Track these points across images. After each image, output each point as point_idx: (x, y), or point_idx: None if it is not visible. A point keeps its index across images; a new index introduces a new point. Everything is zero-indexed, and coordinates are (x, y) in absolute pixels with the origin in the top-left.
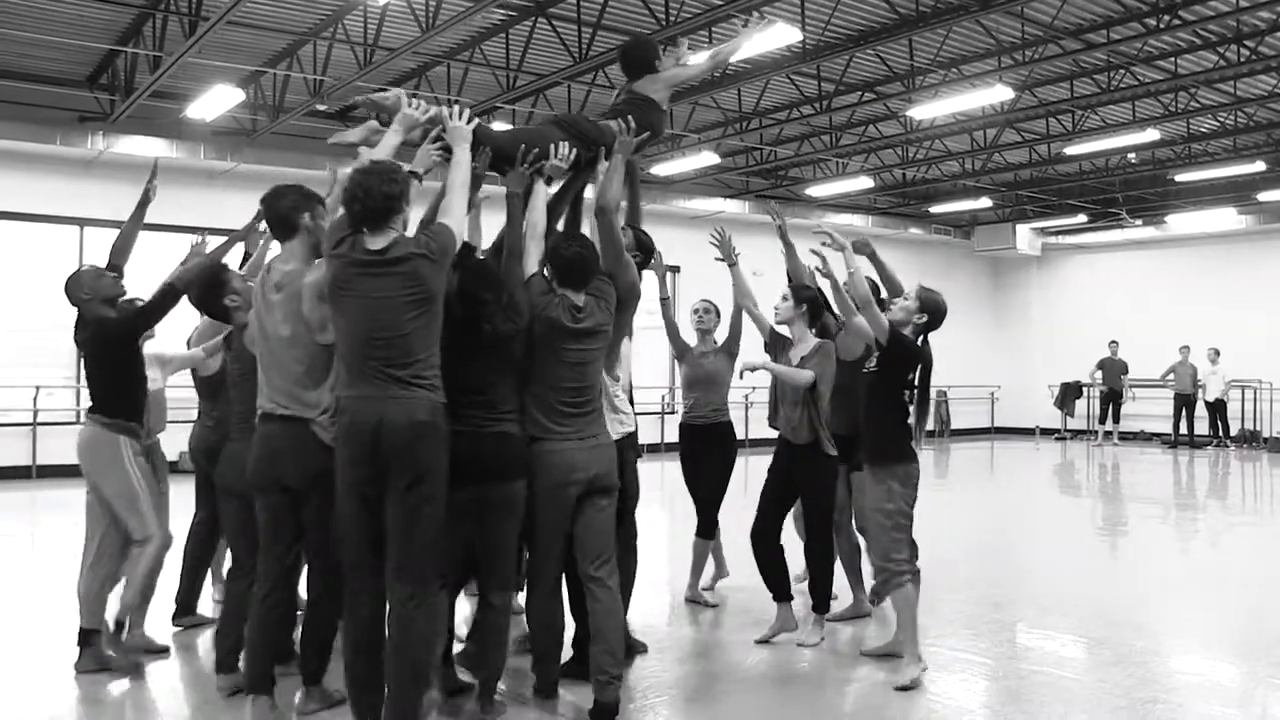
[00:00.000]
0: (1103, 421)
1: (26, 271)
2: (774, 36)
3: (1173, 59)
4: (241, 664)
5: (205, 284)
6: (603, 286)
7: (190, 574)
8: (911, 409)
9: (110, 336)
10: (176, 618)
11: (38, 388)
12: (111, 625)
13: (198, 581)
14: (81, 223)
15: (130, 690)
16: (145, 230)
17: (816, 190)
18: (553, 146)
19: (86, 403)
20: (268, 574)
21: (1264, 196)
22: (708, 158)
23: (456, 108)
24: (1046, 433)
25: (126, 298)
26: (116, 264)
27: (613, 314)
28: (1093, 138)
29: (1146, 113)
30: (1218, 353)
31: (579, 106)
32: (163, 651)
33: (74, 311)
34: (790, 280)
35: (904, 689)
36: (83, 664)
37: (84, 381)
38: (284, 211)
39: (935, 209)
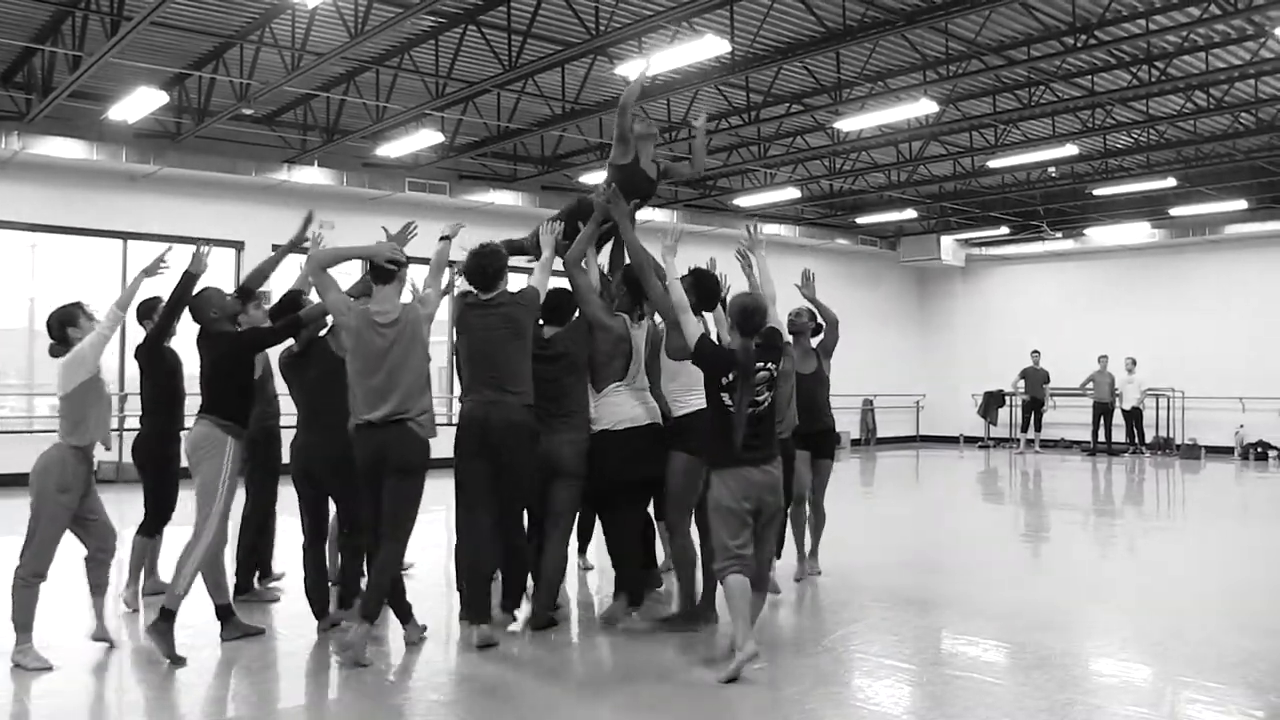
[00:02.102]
0: (1025, 429)
1: None
2: (703, 48)
3: (1089, 77)
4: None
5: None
6: (575, 323)
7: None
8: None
9: (233, 351)
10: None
11: None
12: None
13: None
14: None
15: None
16: (63, 234)
17: (744, 200)
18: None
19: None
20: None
21: (1176, 211)
22: None
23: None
24: (970, 441)
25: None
26: (249, 288)
27: (581, 344)
28: (1014, 152)
29: (1066, 128)
30: (1134, 362)
31: (508, 115)
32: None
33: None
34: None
35: (730, 680)
36: (227, 633)
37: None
38: (384, 266)
39: (862, 220)
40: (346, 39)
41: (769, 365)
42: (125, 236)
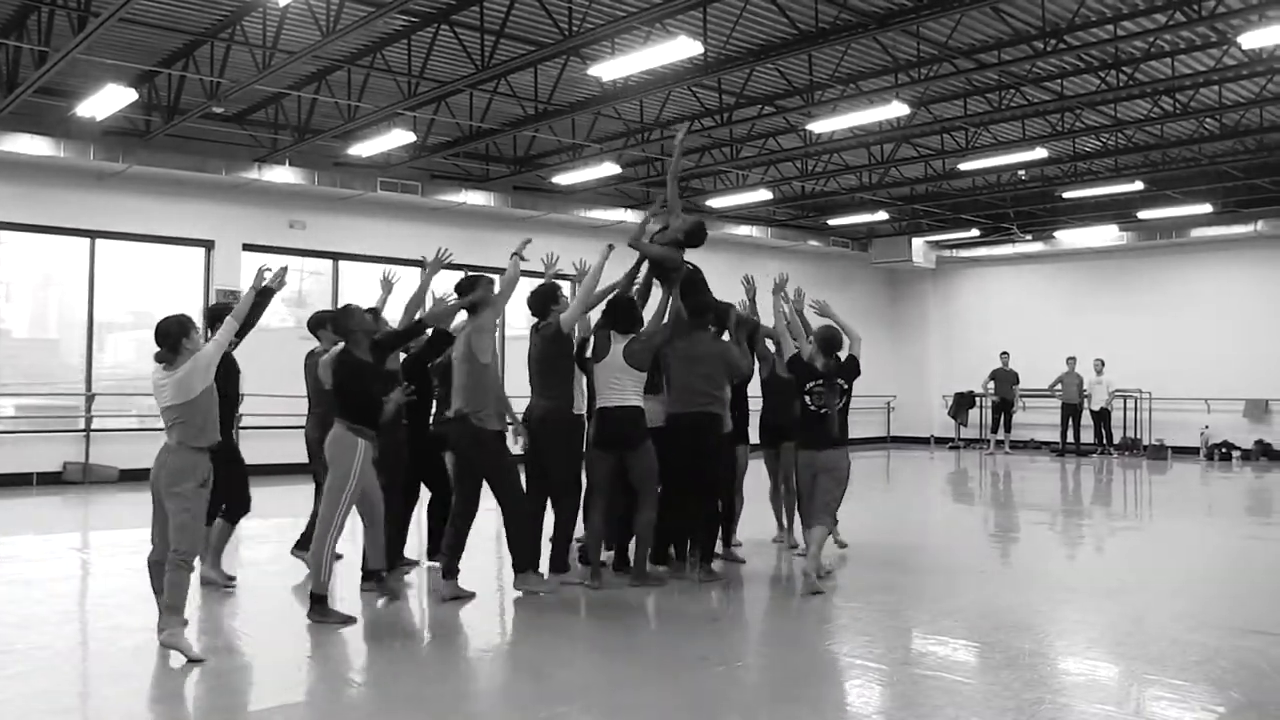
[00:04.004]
0: (994, 430)
1: None
2: (676, 49)
3: (1059, 81)
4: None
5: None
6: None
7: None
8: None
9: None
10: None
11: None
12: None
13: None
14: None
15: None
16: (29, 232)
17: (716, 202)
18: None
19: None
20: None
21: (1143, 214)
22: (609, 168)
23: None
24: (941, 442)
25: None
26: (416, 318)
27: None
28: (985, 154)
29: (1035, 132)
30: (1102, 363)
31: (480, 115)
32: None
33: None
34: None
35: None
36: (380, 590)
37: None
38: (476, 299)
39: (833, 221)
40: (318, 37)
41: (840, 380)
42: (93, 235)
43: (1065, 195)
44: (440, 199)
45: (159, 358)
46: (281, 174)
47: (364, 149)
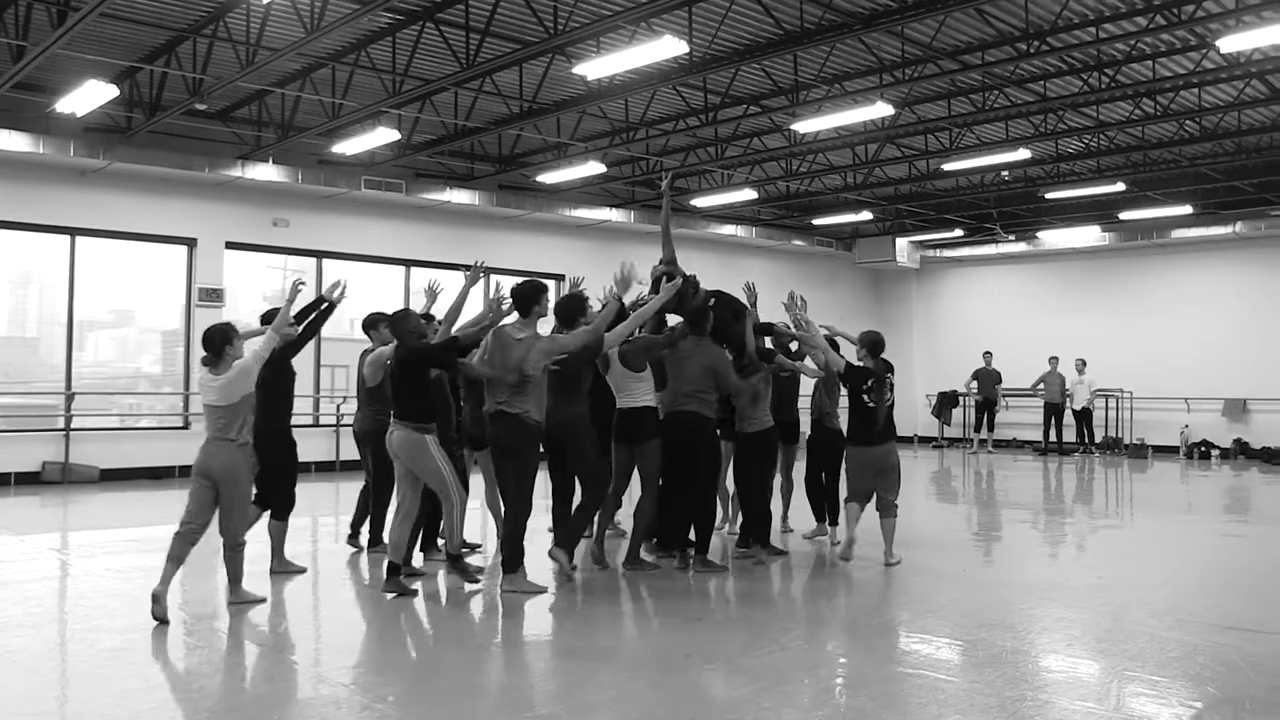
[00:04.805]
0: (978, 430)
1: None
2: (661, 48)
3: (1042, 82)
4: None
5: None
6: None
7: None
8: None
9: (412, 367)
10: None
11: None
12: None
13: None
14: None
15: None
16: (8, 229)
17: (701, 201)
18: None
19: None
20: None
21: (1125, 215)
22: (594, 167)
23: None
24: (924, 440)
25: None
26: (451, 334)
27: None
28: (969, 155)
29: (1018, 133)
30: (1084, 363)
31: (465, 113)
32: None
33: None
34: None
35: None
36: (388, 587)
37: None
38: (527, 301)
39: (818, 221)
40: (302, 34)
41: (889, 376)
42: (73, 232)
43: (1048, 196)
44: (425, 198)
45: (205, 361)
46: (265, 172)
47: (348, 147)
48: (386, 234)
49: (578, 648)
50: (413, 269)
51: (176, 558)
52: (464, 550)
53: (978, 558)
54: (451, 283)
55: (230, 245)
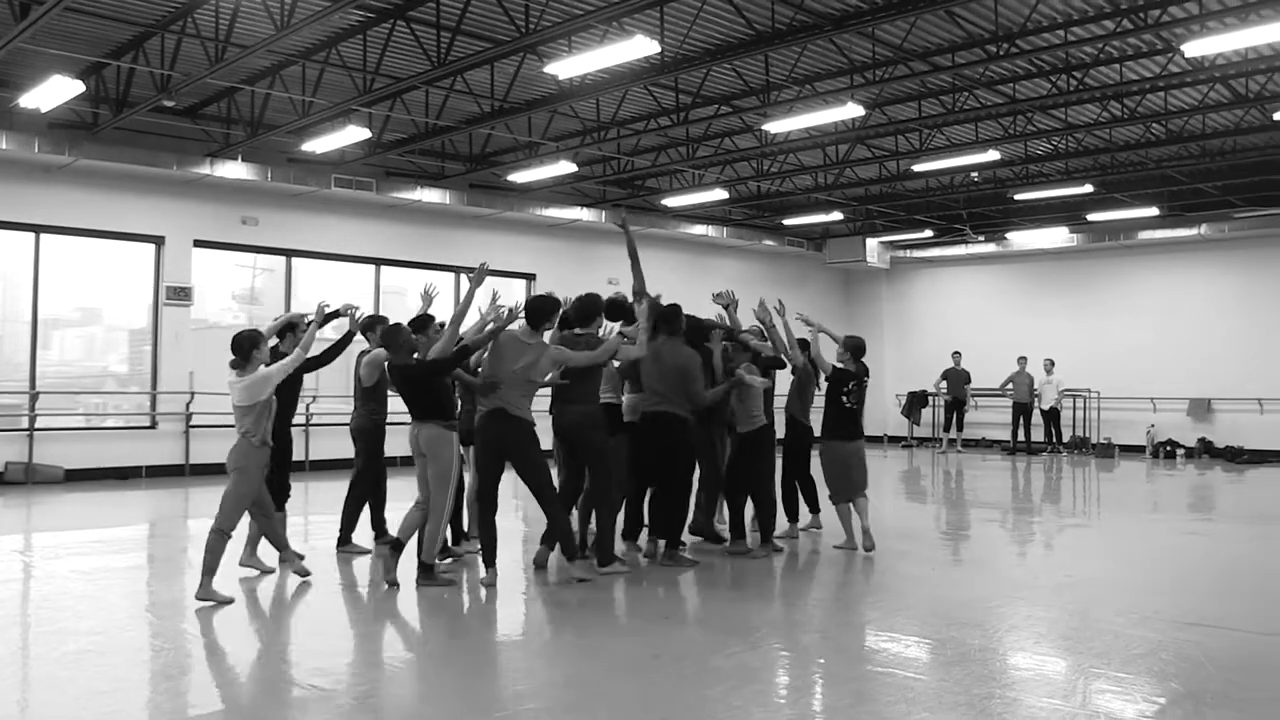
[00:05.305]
0: (947, 429)
1: None
2: (632, 48)
3: (1011, 85)
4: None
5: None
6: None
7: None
8: None
9: (429, 375)
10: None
11: None
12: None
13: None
14: None
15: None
16: None
17: (672, 201)
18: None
19: None
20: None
21: (1093, 216)
22: (565, 166)
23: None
24: (894, 440)
25: None
26: (459, 341)
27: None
28: (938, 156)
29: (988, 134)
30: (1052, 363)
31: (436, 112)
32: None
33: None
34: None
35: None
36: (422, 581)
37: None
38: (542, 315)
39: (788, 221)
40: (272, 31)
41: (865, 379)
42: (38, 230)
43: (1017, 197)
44: (395, 196)
45: (233, 364)
46: (234, 169)
47: (318, 145)
48: (357, 233)
49: (547, 648)
50: (383, 268)
51: (253, 540)
52: (460, 552)
53: (947, 557)
54: (415, 282)
55: (198, 243)
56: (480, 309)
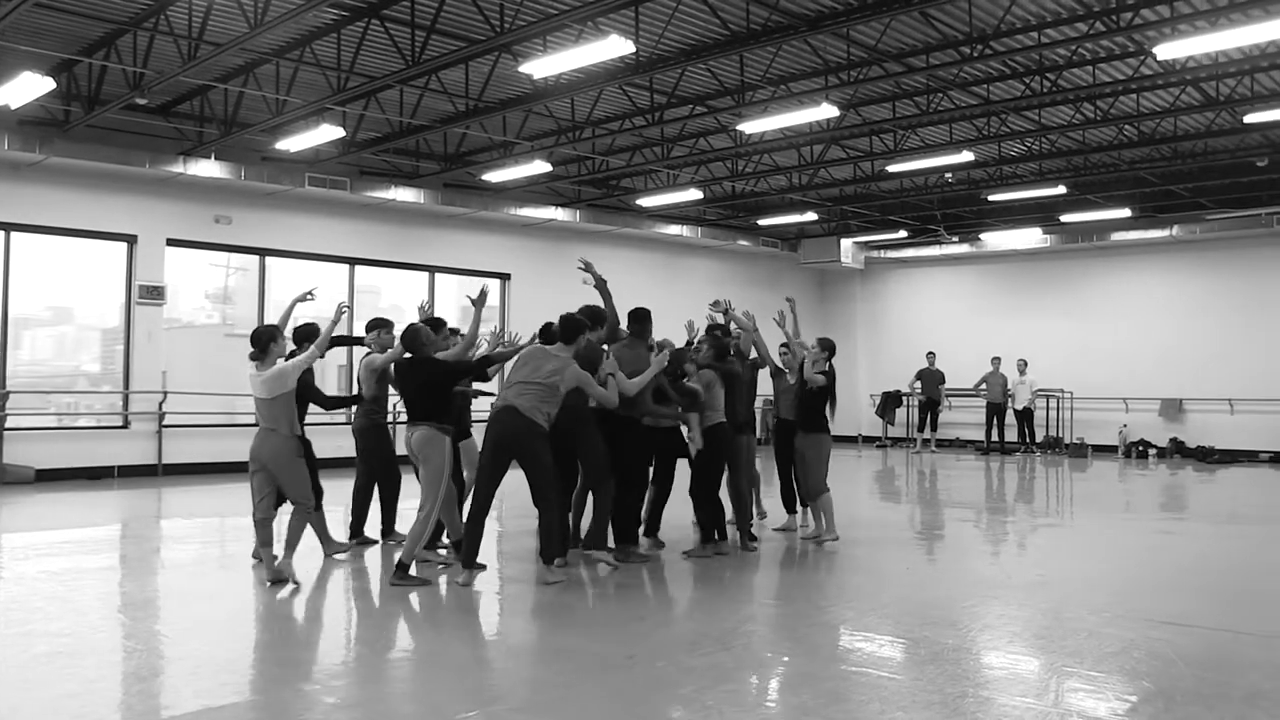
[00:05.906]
0: (921, 429)
1: None
2: (607, 48)
3: (985, 86)
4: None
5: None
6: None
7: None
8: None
9: (440, 377)
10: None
11: None
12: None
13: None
14: None
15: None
16: None
17: (647, 201)
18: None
19: None
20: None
21: (1066, 217)
22: (539, 166)
23: None
24: (869, 440)
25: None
26: (477, 358)
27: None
28: (913, 157)
29: (962, 135)
30: (1026, 363)
31: (411, 111)
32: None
33: None
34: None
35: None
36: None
37: None
38: (574, 331)
39: (763, 221)
40: (245, 29)
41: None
42: (8, 228)
43: (991, 198)
44: (369, 195)
45: (253, 357)
46: (207, 168)
47: (292, 144)
48: (330, 232)
49: (521, 648)
50: (357, 267)
51: (266, 542)
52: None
53: (921, 556)
54: (389, 281)
55: (171, 242)
56: (485, 338)
